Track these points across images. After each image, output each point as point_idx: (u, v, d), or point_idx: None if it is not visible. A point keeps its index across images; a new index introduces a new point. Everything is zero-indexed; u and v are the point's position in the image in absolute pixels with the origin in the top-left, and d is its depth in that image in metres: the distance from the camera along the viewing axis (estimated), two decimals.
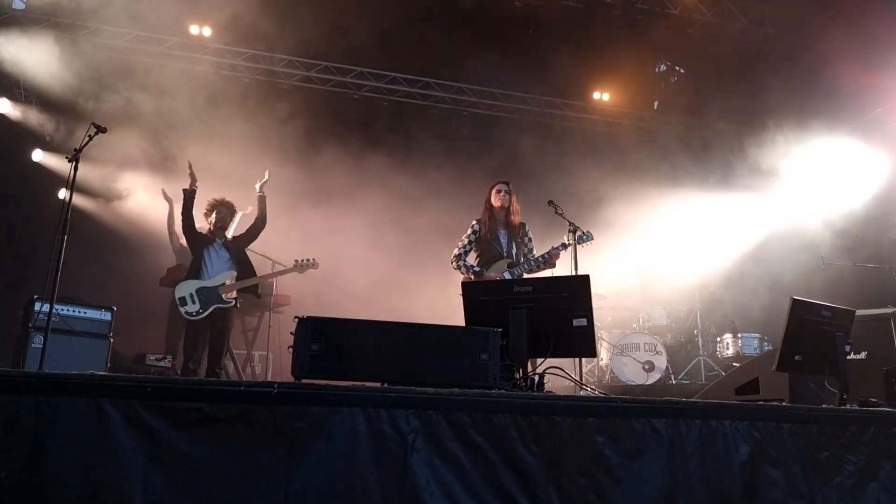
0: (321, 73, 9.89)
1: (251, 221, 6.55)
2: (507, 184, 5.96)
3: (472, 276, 5.70)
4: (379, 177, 9.38)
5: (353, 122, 10.31)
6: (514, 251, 5.84)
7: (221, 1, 8.48)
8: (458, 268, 5.83)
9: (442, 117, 10.69)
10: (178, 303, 6.05)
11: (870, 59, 8.18)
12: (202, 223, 6.54)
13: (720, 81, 10.20)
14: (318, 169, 9.07)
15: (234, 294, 6.27)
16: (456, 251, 5.86)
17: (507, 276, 5.66)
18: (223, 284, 6.18)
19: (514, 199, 5.93)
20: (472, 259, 5.89)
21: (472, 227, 5.91)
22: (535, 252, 5.95)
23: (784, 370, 4.13)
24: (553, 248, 5.78)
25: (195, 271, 6.20)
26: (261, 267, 7.46)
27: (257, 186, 6.50)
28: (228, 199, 6.53)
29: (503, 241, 5.85)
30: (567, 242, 5.76)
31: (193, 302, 6.04)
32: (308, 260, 6.58)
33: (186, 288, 6.09)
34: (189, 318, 6.04)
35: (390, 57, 9.84)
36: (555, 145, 10.79)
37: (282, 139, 8.94)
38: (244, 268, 6.39)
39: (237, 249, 6.42)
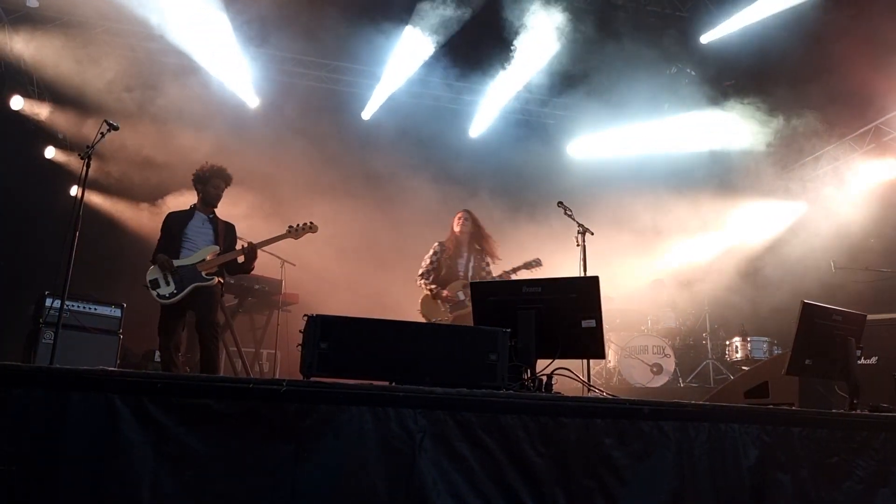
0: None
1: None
2: (467, 212, 6.53)
3: (430, 293, 6.31)
4: (387, 178, 9.38)
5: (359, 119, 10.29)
6: (470, 273, 6.36)
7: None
8: (421, 286, 6.40)
9: (449, 116, 10.67)
10: (149, 286, 5.26)
11: (882, 63, 8.11)
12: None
13: (731, 83, 10.13)
14: (320, 168, 9.10)
15: (215, 270, 5.40)
16: (420, 270, 6.43)
17: (461, 296, 6.22)
18: (203, 261, 5.34)
19: (476, 222, 6.46)
20: (432, 277, 6.40)
21: (434, 248, 6.46)
22: (492, 275, 6.43)
23: (794, 374, 4.11)
24: (513, 268, 6.31)
25: (173, 250, 5.38)
26: (268, 266, 7.48)
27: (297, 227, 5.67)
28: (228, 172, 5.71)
29: (462, 262, 6.40)
30: (532, 261, 6.27)
31: (167, 283, 5.25)
32: (305, 224, 5.72)
33: (160, 269, 5.31)
34: (163, 301, 5.23)
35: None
36: (558, 146, 10.76)
37: (292, 139, 8.97)
38: (231, 247, 5.56)
39: (227, 230, 5.62)
